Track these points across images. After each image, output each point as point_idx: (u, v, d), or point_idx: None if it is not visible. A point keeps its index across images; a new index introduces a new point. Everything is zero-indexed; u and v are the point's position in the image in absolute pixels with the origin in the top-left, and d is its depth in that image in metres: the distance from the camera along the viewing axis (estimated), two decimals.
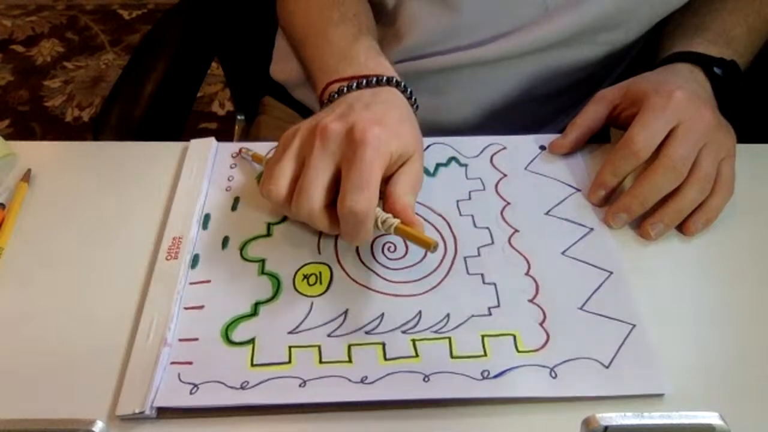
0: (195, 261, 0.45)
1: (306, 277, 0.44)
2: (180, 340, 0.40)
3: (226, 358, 0.39)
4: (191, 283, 0.43)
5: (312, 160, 0.41)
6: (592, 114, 0.50)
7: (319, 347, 0.40)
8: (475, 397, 0.37)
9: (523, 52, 0.56)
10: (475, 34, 0.56)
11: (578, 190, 0.49)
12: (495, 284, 0.43)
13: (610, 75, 0.63)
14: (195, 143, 0.52)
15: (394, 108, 0.45)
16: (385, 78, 0.46)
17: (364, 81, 0.46)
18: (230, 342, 0.40)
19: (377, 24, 0.59)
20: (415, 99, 0.48)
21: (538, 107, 0.61)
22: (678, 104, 0.45)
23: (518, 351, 0.39)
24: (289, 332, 0.40)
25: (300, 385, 0.38)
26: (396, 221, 0.41)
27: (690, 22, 0.55)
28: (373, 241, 0.46)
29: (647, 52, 0.60)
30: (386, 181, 0.43)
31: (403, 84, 0.47)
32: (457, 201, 0.48)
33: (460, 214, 0.48)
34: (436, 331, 0.40)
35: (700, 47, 0.51)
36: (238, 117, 0.87)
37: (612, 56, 0.59)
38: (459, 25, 0.56)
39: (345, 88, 0.46)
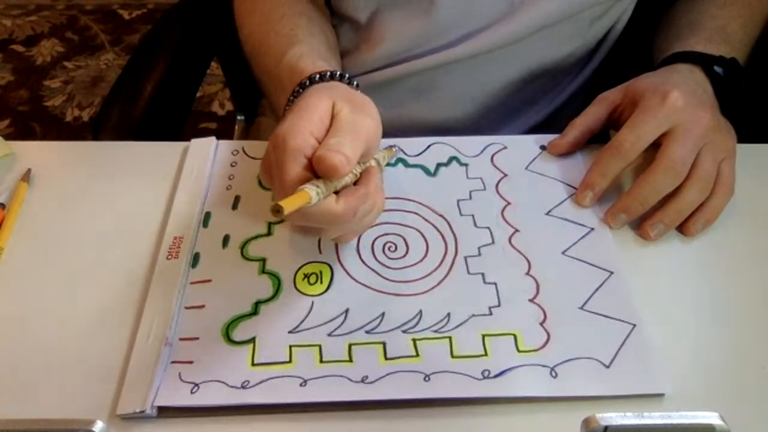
0: (195, 260, 0.45)
1: (306, 276, 0.44)
2: (181, 339, 0.40)
3: (226, 358, 0.39)
4: (192, 283, 0.43)
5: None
6: (592, 115, 0.51)
7: (320, 346, 0.40)
8: (475, 396, 0.37)
9: (494, 48, 0.57)
10: (447, 36, 0.57)
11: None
12: (495, 284, 0.43)
13: (590, 57, 0.64)
14: (195, 143, 0.52)
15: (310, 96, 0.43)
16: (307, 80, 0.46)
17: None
18: (231, 341, 0.40)
19: (352, 35, 0.60)
20: (348, 76, 0.47)
21: (517, 92, 0.62)
22: (673, 105, 0.45)
23: (519, 351, 0.39)
24: (290, 331, 0.40)
25: (300, 385, 0.38)
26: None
27: (683, 22, 0.55)
28: (374, 241, 0.46)
29: (647, 52, 0.60)
30: None
31: (327, 73, 0.46)
32: (458, 200, 0.48)
33: (461, 214, 0.48)
34: (436, 331, 0.40)
35: (698, 46, 0.51)
36: (238, 117, 0.87)
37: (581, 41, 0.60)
38: (432, 29, 0.57)
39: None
